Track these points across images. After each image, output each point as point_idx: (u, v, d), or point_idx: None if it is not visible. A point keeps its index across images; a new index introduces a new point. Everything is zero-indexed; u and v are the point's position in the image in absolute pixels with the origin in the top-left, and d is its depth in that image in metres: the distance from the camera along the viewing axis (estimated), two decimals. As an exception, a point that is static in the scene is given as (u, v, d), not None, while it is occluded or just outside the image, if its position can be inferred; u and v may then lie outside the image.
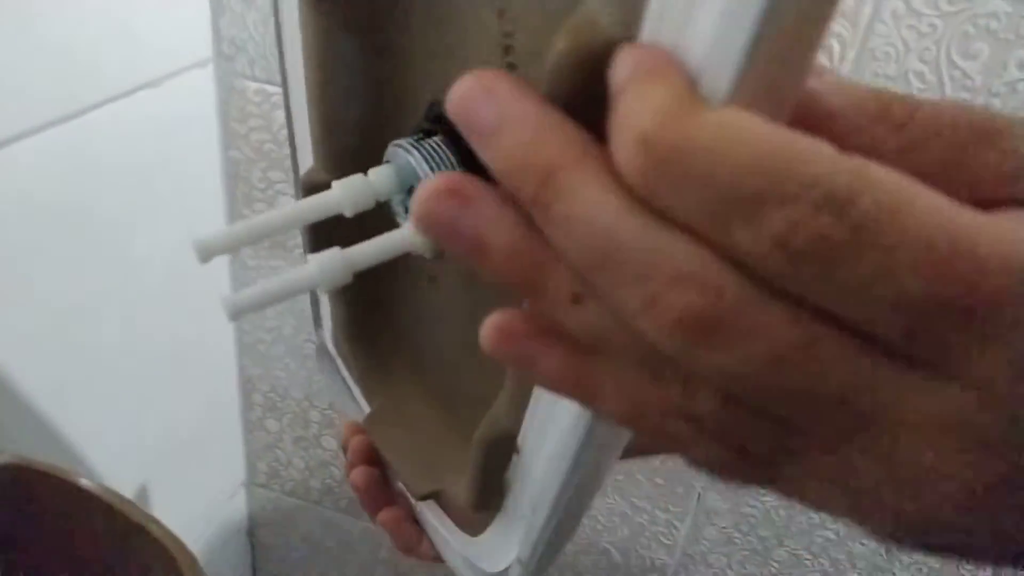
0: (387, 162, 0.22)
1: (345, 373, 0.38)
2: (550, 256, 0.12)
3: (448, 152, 0.21)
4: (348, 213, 0.21)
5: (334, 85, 0.27)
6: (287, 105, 0.32)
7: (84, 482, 0.38)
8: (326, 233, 0.24)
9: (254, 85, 0.55)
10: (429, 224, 0.13)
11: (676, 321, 0.11)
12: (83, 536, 0.40)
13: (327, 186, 0.22)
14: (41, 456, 0.40)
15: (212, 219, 0.60)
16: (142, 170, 0.52)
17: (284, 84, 0.31)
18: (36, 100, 0.43)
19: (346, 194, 0.21)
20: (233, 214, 0.61)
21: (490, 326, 0.14)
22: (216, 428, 0.70)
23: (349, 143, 0.28)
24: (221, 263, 0.62)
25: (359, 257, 0.20)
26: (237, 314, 0.19)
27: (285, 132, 0.55)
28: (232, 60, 0.54)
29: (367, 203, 0.21)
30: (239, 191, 0.59)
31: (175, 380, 0.61)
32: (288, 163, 0.57)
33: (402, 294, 0.33)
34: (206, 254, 0.19)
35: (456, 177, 0.13)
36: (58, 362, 0.49)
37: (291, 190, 0.58)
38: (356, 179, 0.22)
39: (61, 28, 0.43)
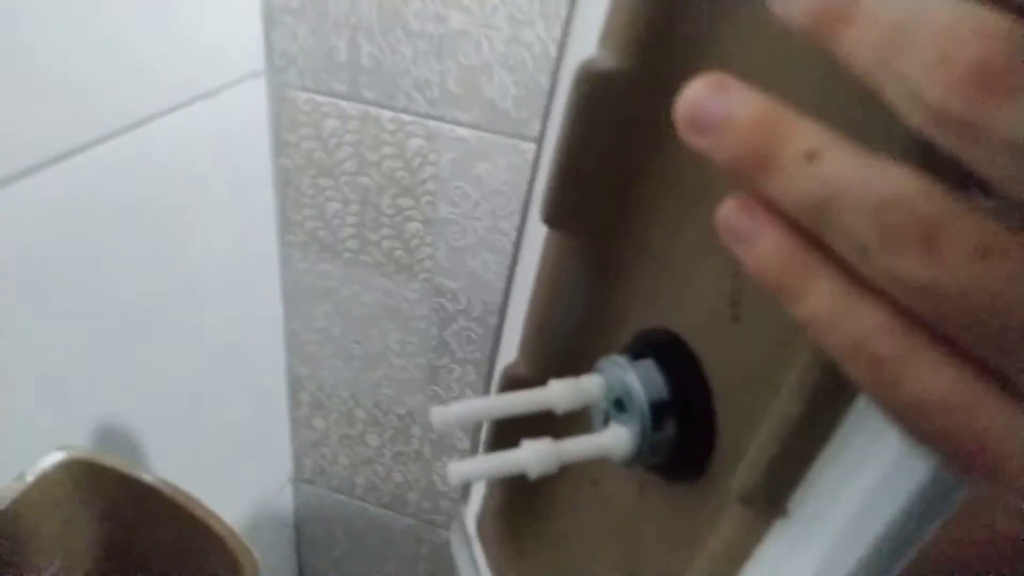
0: (596, 372, 0.25)
1: (479, 557, 0.39)
2: (788, 115, 0.12)
3: (659, 375, 0.24)
4: (560, 411, 0.24)
5: (559, 300, 0.30)
6: (503, 311, 0.34)
7: (147, 477, 0.40)
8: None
9: (304, 95, 0.57)
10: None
11: (967, 73, 0.10)
12: (145, 530, 0.42)
13: (527, 381, 0.25)
14: (99, 451, 0.42)
15: (264, 222, 0.62)
16: (199, 176, 0.54)
17: (506, 293, 0.33)
18: (105, 110, 0.46)
19: (564, 395, 0.24)
20: (283, 219, 0.63)
21: (729, 200, 0.14)
22: (265, 425, 0.72)
23: (556, 349, 0.30)
24: (272, 265, 0.65)
25: (569, 451, 0.23)
26: (462, 479, 0.22)
27: (334, 140, 0.57)
28: (283, 72, 0.57)
29: (575, 405, 0.24)
30: (289, 197, 0.62)
31: (226, 378, 0.63)
32: (337, 169, 0.59)
33: (562, 492, 0.34)
34: (441, 423, 0.22)
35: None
36: (118, 359, 0.51)
37: (339, 196, 0.60)
38: (571, 383, 0.25)
39: (129, 42, 0.46)
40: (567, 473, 0.32)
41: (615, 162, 0.26)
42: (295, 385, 0.71)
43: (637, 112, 0.25)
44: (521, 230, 0.31)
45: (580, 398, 0.25)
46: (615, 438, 0.24)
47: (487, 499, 0.37)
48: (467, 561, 0.41)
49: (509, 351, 0.33)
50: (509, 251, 0.32)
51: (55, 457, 0.39)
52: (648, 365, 0.24)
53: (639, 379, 0.24)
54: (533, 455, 0.23)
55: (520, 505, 0.35)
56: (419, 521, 0.74)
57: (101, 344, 0.49)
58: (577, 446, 0.24)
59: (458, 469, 0.22)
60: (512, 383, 0.28)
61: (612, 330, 0.29)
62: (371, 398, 0.68)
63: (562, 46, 0.27)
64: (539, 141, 0.29)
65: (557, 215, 0.27)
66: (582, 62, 0.25)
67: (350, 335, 0.66)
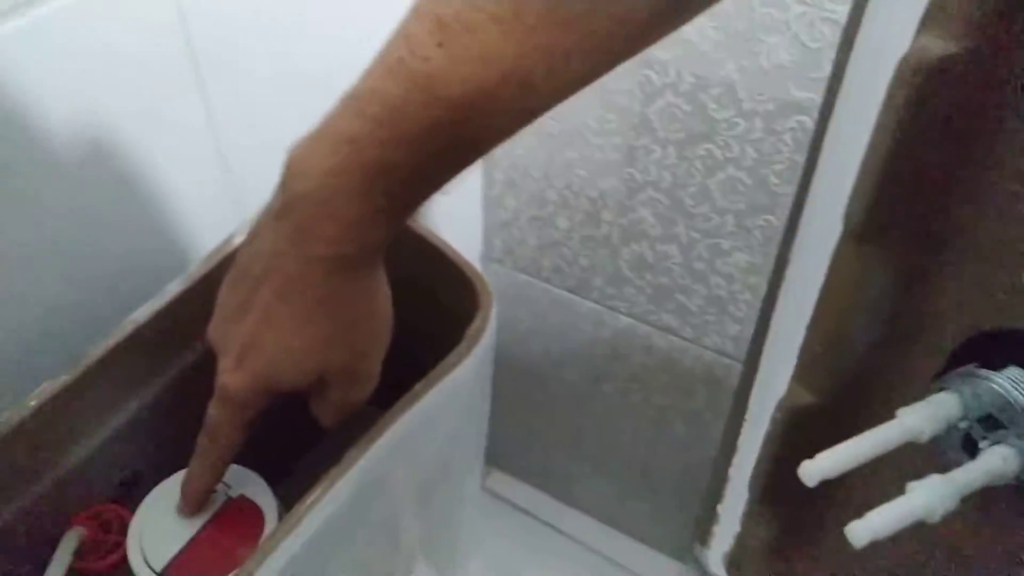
0: (944, 390, 0.23)
1: None
2: None
3: None
4: (925, 439, 0.22)
5: (855, 318, 0.26)
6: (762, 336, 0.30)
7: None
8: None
9: None
10: None
11: None
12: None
13: (815, 408, 0.22)
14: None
15: None
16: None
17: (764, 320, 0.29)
18: None
19: (925, 420, 0.22)
20: None
21: None
22: (458, 203, 0.74)
23: (846, 370, 0.27)
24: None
25: (964, 482, 0.21)
26: (871, 538, 0.22)
27: None
28: None
29: (938, 429, 0.22)
30: None
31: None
32: None
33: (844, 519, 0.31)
34: (814, 477, 0.21)
35: None
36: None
37: None
38: (925, 406, 0.22)
39: None
40: (849, 497, 0.29)
41: (940, 157, 0.22)
42: (489, 163, 0.72)
43: (971, 97, 0.20)
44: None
45: (940, 420, 0.23)
46: (1004, 459, 0.22)
47: (744, 536, 0.35)
48: None
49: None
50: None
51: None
52: (1017, 373, 0.22)
53: (1015, 386, 0.21)
54: (934, 498, 0.21)
55: (792, 541, 0.33)
56: (601, 306, 0.75)
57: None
58: (969, 475, 0.22)
59: (861, 531, 0.21)
60: (797, 416, 0.25)
61: (917, 342, 0.25)
62: (563, 179, 0.68)
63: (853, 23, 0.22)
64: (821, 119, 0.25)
65: (872, 230, 0.24)
66: (907, 55, 0.20)
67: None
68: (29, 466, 0.36)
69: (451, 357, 0.37)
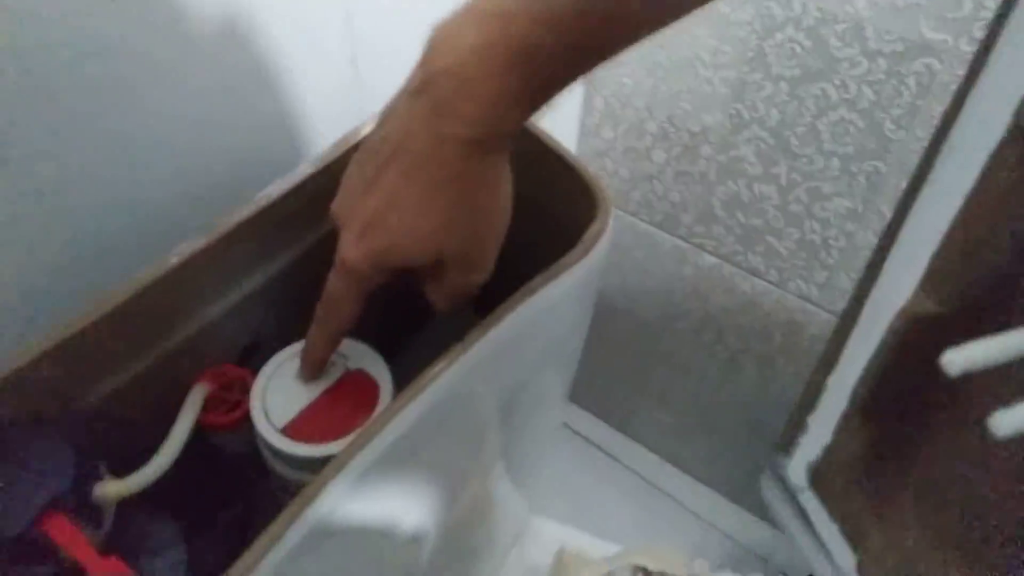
0: None
1: (811, 508, 0.35)
2: None
3: None
4: None
5: (1002, 219, 0.24)
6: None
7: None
8: None
9: None
10: None
11: None
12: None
13: (937, 318, 0.22)
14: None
15: None
16: None
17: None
18: None
19: None
20: None
21: None
22: (554, 131, 0.75)
23: (976, 276, 0.25)
24: None
25: None
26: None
27: None
28: None
29: None
30: None
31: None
32: None
33: (939, 433, 0.30)
34: (954, 366, 0.20)
35: None
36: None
37: None
38: None
39: None
40: (946, 410, 0.28)
41: None
42: (590, 90, 0.72)
43: None
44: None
45: None
46: None
47: (833, 447, 0.35)
48: (791, 514, 0.39)
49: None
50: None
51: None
52: None
53: None
54: None
55: (884, 452, 0.33)
56: (687, 243, 0.75)
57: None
58: None
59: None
60: (917, 324, 0.24)
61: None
62: (666, 111, 0.68)
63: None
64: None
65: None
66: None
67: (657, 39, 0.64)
68: (164, 320, 0.38)
69: (568, 256, 0.38)
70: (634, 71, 0.67)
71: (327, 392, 0.39)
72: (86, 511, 0.34)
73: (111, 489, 0.35)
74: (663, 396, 0.92)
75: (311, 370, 0.39)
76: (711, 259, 0.74)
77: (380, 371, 0.40)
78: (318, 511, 0.30)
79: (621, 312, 0.87)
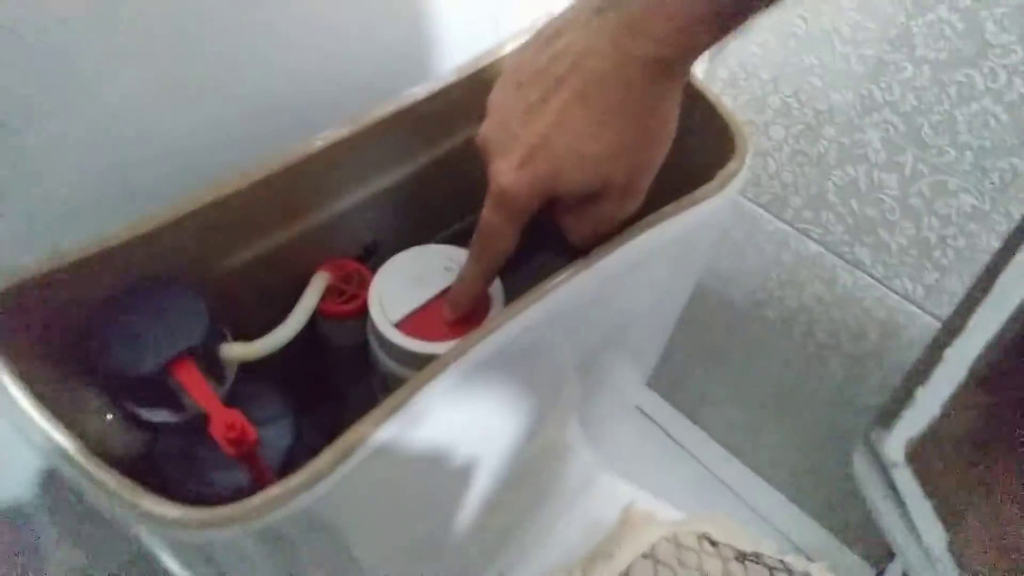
0: None
1: (904, 486, 0.34)
2: None
3: None
4: None
5: None
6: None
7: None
8: None
9: None
10: None
11: None
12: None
13: None
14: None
15: None
16: None
17: None
18: None
19: None
20: None
21: None
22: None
23: None
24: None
25: None
26: None
27: None
28: None
29: None
30: None
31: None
32: None
33: None
34: None
35: None
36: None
37: None
38: None
39: None
40: None
41: None
42: (716, 59, 0.70)
43: None
44: None
45: None
46: None
47: (940, 422, 0.33)
48: (881, 489, 0.38)
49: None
50: None
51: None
52: None
53: None
54: None
55: (994, 437, 0.31)
56: (792, 228, 0.74)
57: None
58: None
59: None
60: None
61: None
62: (792, 85, 0.66)
63: None
64: None
65: None
66: None
67: (798, 6, 0.62)
68: (299, 202, 0.39)
69: (701, 191, 0.37)
70: (766, 39, 0.66)
71: (440, 295, 0.40)
72: (213, 366, 0.35)
73: (237, 351, 0.36)
74: (738, 385, 0.90)
75: (461, 308, 0.37)
76: (815, 247, 0.73)
77: (494, 286, 0.40)
78: (417, 405, 0.30)
79: (709, 293, 0.86)
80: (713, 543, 0.55)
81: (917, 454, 0.36)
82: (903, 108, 0.60)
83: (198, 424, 0.34)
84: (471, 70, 0.42)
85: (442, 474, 0.38)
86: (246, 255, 0.39)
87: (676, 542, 0.54)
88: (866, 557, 0.89)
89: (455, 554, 0.50)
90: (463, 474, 0.40)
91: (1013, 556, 0.33)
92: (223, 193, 0.36)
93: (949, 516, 0.36)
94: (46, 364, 0.33)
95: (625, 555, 0.53)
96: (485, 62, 0.42)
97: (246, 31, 0.40)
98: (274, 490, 0.28)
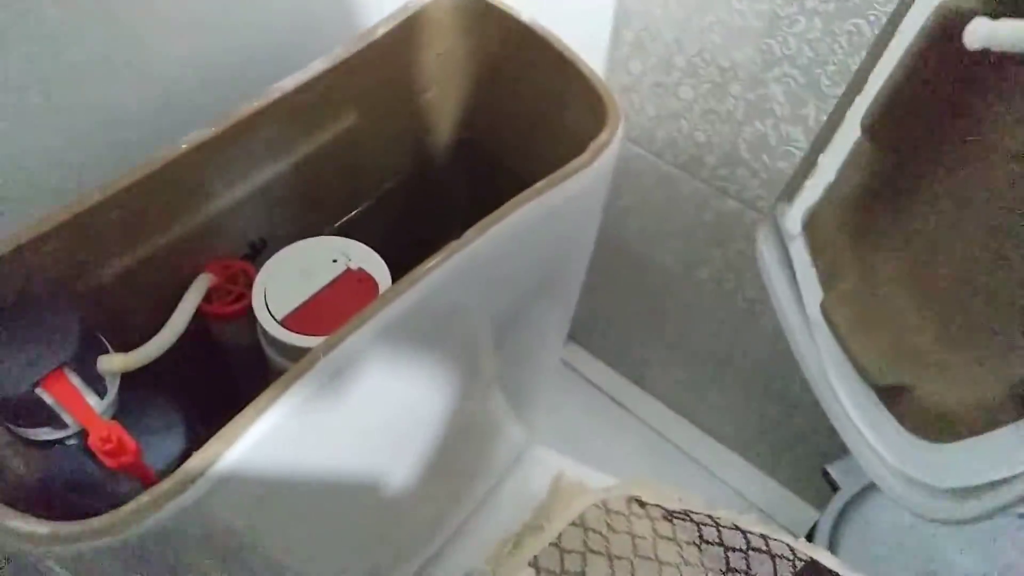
0: None
1: (797, 256, 0.34)
2: None
3: None
4: None
5: None
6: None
7: (524, 16, 0.42)
8: None
9: None
10: None
11: None
12: (515, 70, 0.45)
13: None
14: None
15: None
16: None
17: None
18: None
19: None
20: None
21: None
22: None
23: None
24: None
25: None
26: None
27: None
28: None
29: None
30: None
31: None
32: None
33: (927, 182, 0.28)
34: (975, 40, 0.19)
35: None
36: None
37: None
38: None
39: None
40: (932, 158, 0.27)
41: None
42: (620, 22, 0.70)
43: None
44: None
45: None
46: None
47: (833, 188, 0.34)
48: (777, 261, 0.38)
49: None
50: None
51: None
52: None
53: None
54: None
55: (879, 194, 0.32)
56: (710, 187, 0.74)
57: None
58: None
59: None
60: (955, 18, 0.23)
61: None
62: (696, 45, 0.66)
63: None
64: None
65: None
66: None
67: (693, -31, 0.62)
68: (174, 206, 0.39)
69: (573, 164, 0.37)
70: (666, 0, 0.66)
71: (327, 288, 0.39)
72: (90, 380, 0.35)
73: (115, 362, 0.36)
74: (678, 346, 0.91)
75: None
76: (733, 203, 0.73)
77: (380, 271, 0.40)
78: (290, 401, 0.30)
79: (641, 258, 0.86)
80: (643, 504, 0.56)
81: (813, 223, 0.37)
82: (800, 61, 0.61)
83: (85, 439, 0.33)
84: (343, 55, 0.41)
85: (351, 462, 0.38)
86: (124, 263, 0.38)
87: (605, 508, 0.55)
88: (812, 501, 0.91)
89: (385, 542, 0.50)
90: (374, 462, 0.40)
91: (878, 310, 0.33)
92: (88, 204, 0.35)
93: (829, 280, 0.36)
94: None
95: (555, 525, 0.54)
96: (356, 47, 0.41)
97: (102, 36, 0.39)
98: (144, 497, 0.28)
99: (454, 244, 0.35)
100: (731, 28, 0.63)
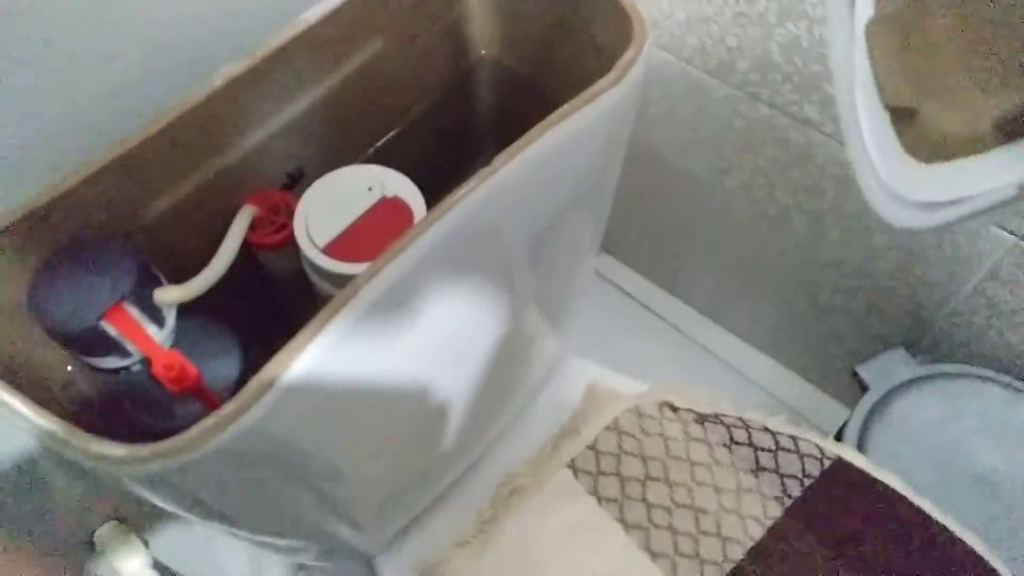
0: None
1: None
2: None
3: None
4: None
5: None
6: None
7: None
8: None
9: None
10: None
11: None
12: None
13: None
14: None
15: None
16: None
17: None
18: None
19: None
20: None
21: None
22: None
23: None
24: None
25: None
26: None
27: None
28: None
29: None
30: None
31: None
32: None
33: None
34: None
35: None
36: None
37: None
38: None
39: None
40: None
41: None
42: (647, -77, 0.68)
43: None
44: None
45: None
46: None
47: None
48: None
49: None
50: None
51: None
52: None
53: None
54: None
55: None
56: (741, 92, 0.73)
57: None
58: None
59: None
60: None
61: None
62: (726, -55, 0.64)
63: None
64: None
65: None
66: None
67: None
68: (212, 141, 0.40)
69: (600, 83, 0.38)
70: (694, -100, 0.63)
71: (365, 216, 0.41)
72: (149, 312, 0.37)
73: (170, 294, 0.38)
74: (710, 253, 0.92)
75: None
76: (765, 109, 0.72)
77: (414, 198, 0.41)
78: (345, 320, 0.32)
79: (671, 167, 0.86)
80: (674, 409, 0.58)
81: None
82: (835, -43, 0.59)
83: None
84: (364, -17, 0.41)
85: (398, 379, 0.40)
86: (170, 200, 0.40)
87: (638, 412, 0.57)
88: (842, 400, 0.93)
89: (432, 448, 0.53)
90: (421, 377, 0.43)
91: (916, 36, 0.34)
92: (131, 144, 0.37)
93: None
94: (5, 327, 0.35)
95: (591, 430, 0.57)
96: (377, -27, 0.41)
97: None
98: (208, 421, 0.30)
99: (484, 171, 0.35)
100: (763, -76, 0.61)
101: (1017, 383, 0.69)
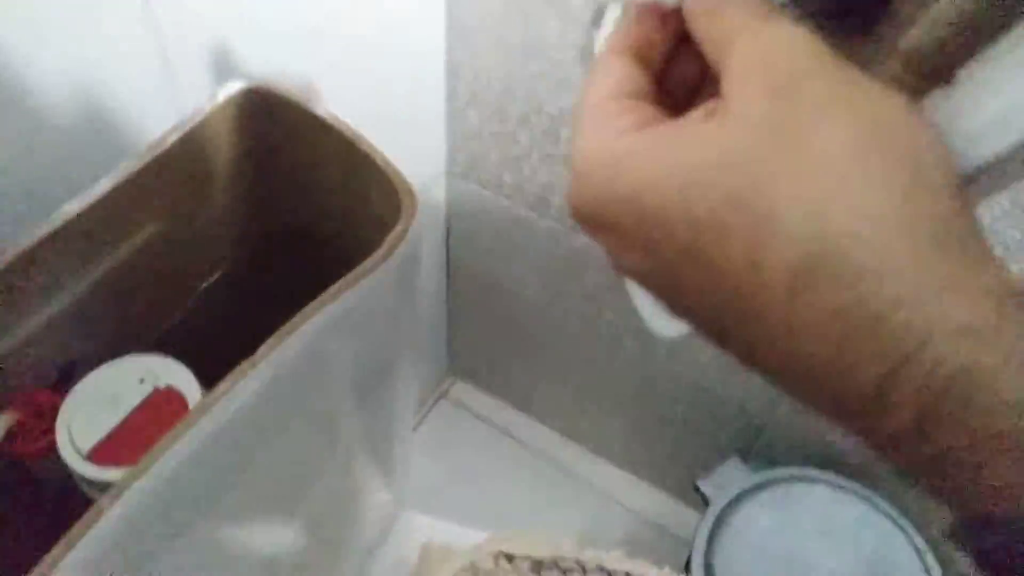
0: None
1: None
2: None
3: None
4: None
5: None
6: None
7: (320, 110, 0.42)
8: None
9: None
10: None
11: None
12: (312, 167, 0.45)
13: None
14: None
15: None
16: None
17: None
18: None
19: None
20: None
21: None
22: (423, 115, 0.74)
23: None
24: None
25: None
26: None
27: None
28: None
29: None
30: None
31: (384, 58, 0.64)
32: None
33: None
34: None
35: None
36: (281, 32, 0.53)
37: None
38: None
39: None
40: None
41: None
42: (452, 75, 0.71)
43: None
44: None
45: None
46: None
47: None
48: None
49: None
50: None
51: (237, 85, 0.42)
52: None
53: None
54: None
55: None
56: (559, 224, 0.76)
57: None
58: None
59: None
60: None
61: None
62: (525, 93, 0.68)
63: None
64: None
65: None
66: None
67: (508, 21, 0.64)
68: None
69: (369, 261, 0.38)
70: (491, 53, 0.67)
71: (135, 412, 0.38)
72: None
73: None
74: (559, 373, 0.93)
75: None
76: (582, 239, 0.75)
77: (190, 387, 0.39)
78: (89, 546, 0.29)
79: (510, 294, 0.88)
80: (510, 559, 0.57)
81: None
82: (620, 105, 0.63)
83: None
84: (133, 169, 0.40)
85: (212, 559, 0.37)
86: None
87: (474, 569, 0.56)
88: (699, 508, 0.95)
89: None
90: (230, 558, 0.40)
91: None
92: None
93: None
94: None
95: (427, 592, 0.54)
96: (144, 161, 0.40)
97: None
98: None
99: (244, 365, 0.34)
100: (554, 78, 0.65)
101: (840, 480, 0.72)
